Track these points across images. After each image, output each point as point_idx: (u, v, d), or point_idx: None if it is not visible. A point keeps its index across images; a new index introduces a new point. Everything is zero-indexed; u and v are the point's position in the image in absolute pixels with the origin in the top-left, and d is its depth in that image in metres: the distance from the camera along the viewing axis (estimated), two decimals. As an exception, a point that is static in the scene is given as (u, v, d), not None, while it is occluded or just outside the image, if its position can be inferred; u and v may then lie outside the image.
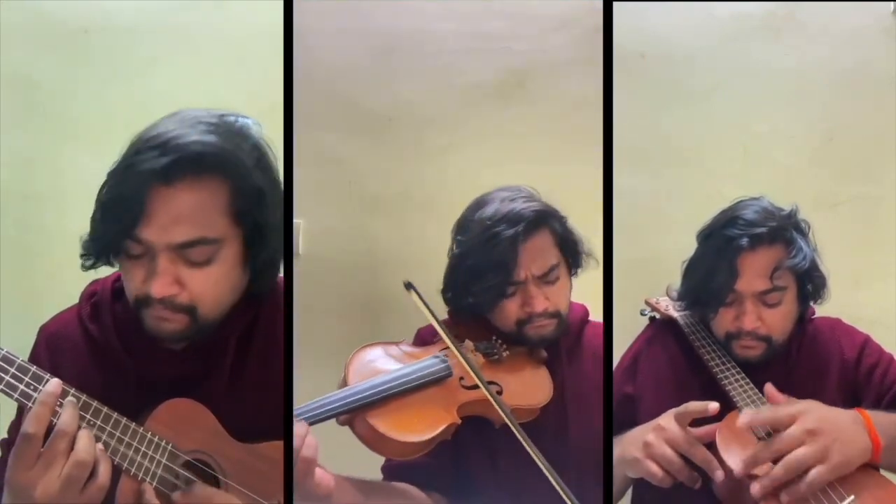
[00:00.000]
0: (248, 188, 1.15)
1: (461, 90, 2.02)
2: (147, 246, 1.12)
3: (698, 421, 1.27)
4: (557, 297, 1.36)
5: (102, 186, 1.14)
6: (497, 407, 1.23)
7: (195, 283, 1.14)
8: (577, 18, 2.00)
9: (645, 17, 1.98)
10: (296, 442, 1.13)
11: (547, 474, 1.18)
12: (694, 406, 1.25)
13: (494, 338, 1.39)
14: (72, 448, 1.06)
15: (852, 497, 1.21)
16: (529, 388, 1.33)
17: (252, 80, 1.82)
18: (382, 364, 1.30)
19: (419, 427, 1.21)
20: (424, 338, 1.42)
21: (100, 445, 1.09)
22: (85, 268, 1.18)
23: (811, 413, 1.22)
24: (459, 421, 1.24)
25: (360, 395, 1.21)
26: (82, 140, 1.83)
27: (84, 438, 1.07)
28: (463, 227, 1.40)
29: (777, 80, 1.97)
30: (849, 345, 1.42)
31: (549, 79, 2.01)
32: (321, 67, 1.98)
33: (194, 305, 1.15)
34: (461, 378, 1.29)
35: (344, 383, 1.25)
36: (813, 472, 1.18)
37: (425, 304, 1.24)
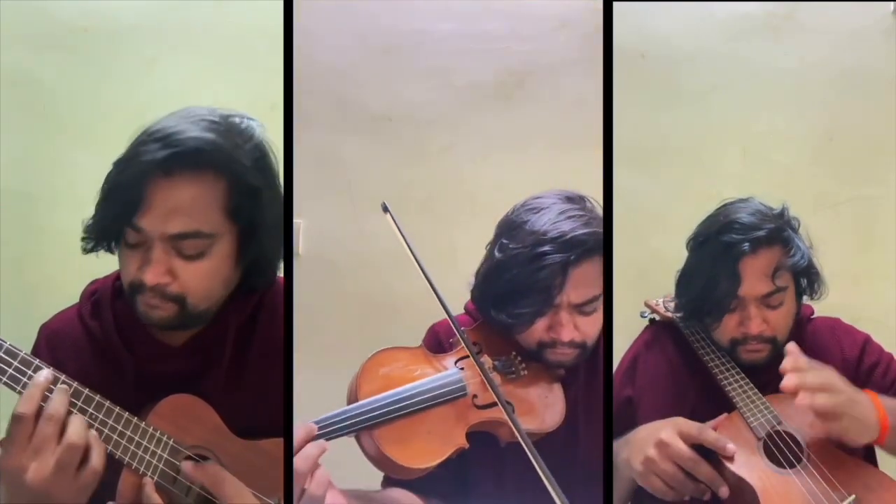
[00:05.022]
0: (245, 186, 1.16)
1: (461, 90, 2.02)
2: (144, 234, 1.14)
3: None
4: (588, 328, 1.28)
5: (108, 174, 1.16)
6: (516, 432, 1.18)
7: (186, 274, 1.15)
8: (577, 19, 2.00)
9: (645, 17, 1.98)
10: (302, 465, 1.09)
11: (555, 497, 1.11)
12: (709, 437, 1.24)
13: (514, 354, 1.32)
14: (62, 433, 1.06)
15: (853, 497, 1.21)
16: (543, 410, 1.28)
17: (252, 80, 1.82)
18: (397, 374, 1.24)
19: (426, 455, 1.19)
20: (438, 334, 1.36)
21: (93, 431, 1.09)
22: (85, 251, 1.19)
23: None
24: (467, 445, 1.21)
25: (371, 414, 1.17)
26: (81, 139, 1.83)
27: (75, 423, 1.07)
28: (510, 229, 1.29)
29: (777, 80, 1.97)
30: (849, 344, 1.41)
31: (549, 79, 2.01)
32: (321, 67, 1.98)
33: (184, 296, 1.16)
34: (475, 396, 1.24)
35: (355, 395, 1.21)
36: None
37: (402, 234, 1.21)
